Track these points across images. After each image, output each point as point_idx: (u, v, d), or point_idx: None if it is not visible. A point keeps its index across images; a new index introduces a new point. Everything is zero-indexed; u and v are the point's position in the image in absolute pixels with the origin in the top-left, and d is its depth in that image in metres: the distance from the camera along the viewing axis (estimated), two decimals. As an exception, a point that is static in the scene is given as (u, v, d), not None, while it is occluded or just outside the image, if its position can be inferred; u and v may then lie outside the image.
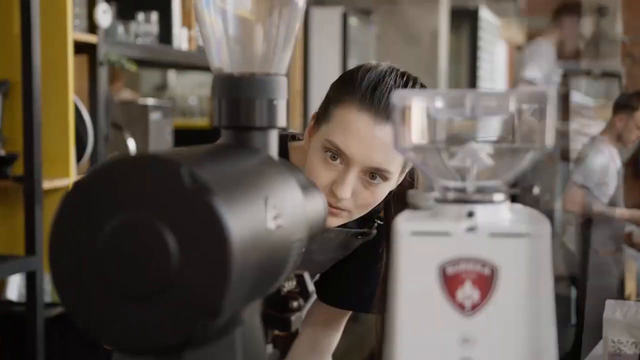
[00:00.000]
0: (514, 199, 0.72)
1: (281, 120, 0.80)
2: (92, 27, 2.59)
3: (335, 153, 1.22)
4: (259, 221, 0.65)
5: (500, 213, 0.68)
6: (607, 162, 4.26)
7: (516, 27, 9.24)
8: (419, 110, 0.69)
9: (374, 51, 5.23)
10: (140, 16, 2.94)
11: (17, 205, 2.35)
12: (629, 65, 4.31)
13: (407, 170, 1.31)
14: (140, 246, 0.59)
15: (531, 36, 9.95)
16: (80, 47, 2.56)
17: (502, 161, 0.70)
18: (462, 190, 0.69)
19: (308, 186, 0.85)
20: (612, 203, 4.33)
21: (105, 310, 0.61)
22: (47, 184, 2.36)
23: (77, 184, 0.62)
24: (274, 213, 0.68)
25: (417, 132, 0.70)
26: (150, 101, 3.06)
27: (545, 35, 4.58)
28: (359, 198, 1.24)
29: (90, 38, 2.58)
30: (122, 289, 0.60)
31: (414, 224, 0.67)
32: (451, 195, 0.69)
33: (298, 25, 0.82)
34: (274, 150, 0.80)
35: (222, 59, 0.81)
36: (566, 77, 4.62)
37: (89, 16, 2.58)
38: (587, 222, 4.35)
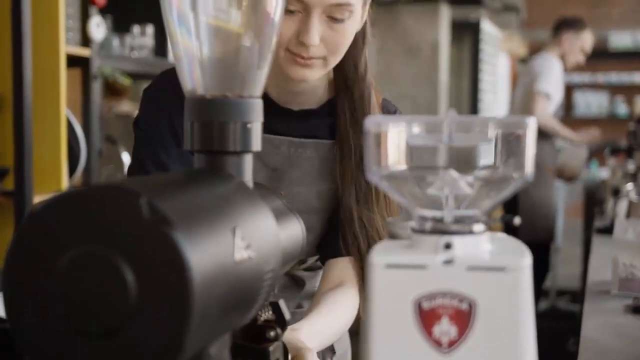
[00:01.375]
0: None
1: (256, 144, 0.78)
2: (86, 41, 2.57)
3: (291, 3, 1.18)
4: (225, 253, 0.62)
5: (479, 244, 0.65)
6: (559, 76, 4.42)
7: (518, 39, 9.22)
8: (394, 136, 0.66)
9: (374, 63, 5.20)
10: (136, 29, 2.92)
11: (7, 220, 2.32)
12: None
13: (368, 3, 1.28)
14: (97, 281, 0.57)
15: (533, 48, 9.96)
16: (74, 61, 2.54)
17: (481, 190, 0.67)
18: (440, 220, 0.66)
19: (284, 212, 0.82)
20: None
21: (60, 346, 0.58)
22: (38, 199, 2.33)
23: (33, 213, 0.59)
24: (243, 244, 0.65)
25: (392, 159, 0.67)
26: (146, 114, 3.03)
27: (549, 49, 4.58)
28: (328, 42, 1.20)
29: (84, 51, 2.56)
30: (78, 325, 0.57)
31: (389, 256, 0.64)
32: (428, 225, 0.66)
33: (273, 45, 0.80)
34: (248, 175, 0.77)
35: (194, 81, 0.78)
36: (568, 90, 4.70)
37: (82, 29, 2.56)
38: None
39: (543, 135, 4.45)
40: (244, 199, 0.71)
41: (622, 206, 2.89)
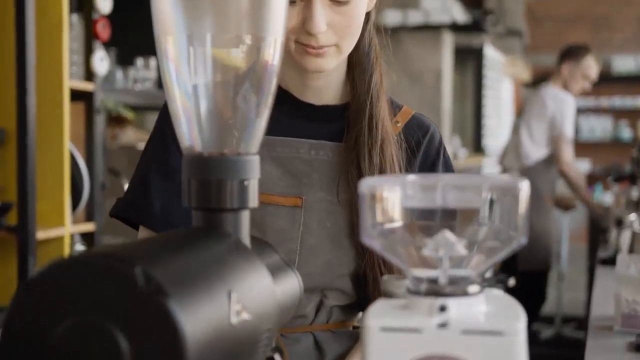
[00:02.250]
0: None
1: (253, 201, 0.78)
2: (90, 75, 2.59)
3: None
4: (221, 318, 0.62)
5: (474, 306, 0.65)
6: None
7: (522, 64, 9.25)
8: (388, 197, 0.67)
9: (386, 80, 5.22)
10: (139, 61, 2.94)
11: (11, 255, 2.33)
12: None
13: None
14: (93, 350, 0.57)
15: (537, 73, 9.99)
16: (78, 94, 2.55)
17: (476, 251, 0.67)
18: (435, 281, 0.67)
19: (280, 267, 0.82)
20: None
21: (55, 416, 0.58)
22: (41, 234, 2.33)
23: (29, 283, 0.60)
24: (239, 306, 0.66)
25: (386, 220, 0.67)
26: (150, 146, 3.04)
27: (553, 80, 4.59)
28: (337, 27, 1.15)
29: (87, 86, 2.57)
30: (73, 394, 0.57)
31: (384, 319, 0.64)
32: (423, 286, 0.66)
33: (270, 102, 0.80)
34: (245, 231, 0.78)
35: (192, 138, 0.78)
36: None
37: (86, 63, 2.58)
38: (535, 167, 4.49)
39: (544, 163, 4.44)
40: (239, 259, 0.71)
41: (626, 237, 2.89)
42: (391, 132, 1.25)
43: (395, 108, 1.30)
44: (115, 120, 3.57)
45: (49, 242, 2.41)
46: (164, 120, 1.27)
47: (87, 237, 2.65)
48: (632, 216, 3.10)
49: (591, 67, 4.56)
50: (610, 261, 2.85)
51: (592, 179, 10.08)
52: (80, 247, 2.65)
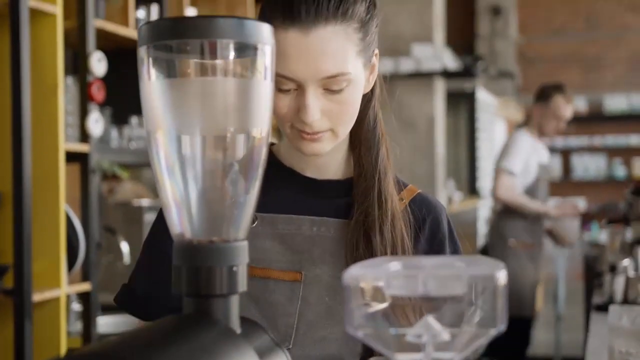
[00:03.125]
0: None
1: (242, 285, 0.80)
2: (85, 136, 2.62)
3: (283, 83, 1.12)
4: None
5: (457, 392, 0.67)
6: (529, 152, 4.40)
7: (514, 104, 9.34)
8: (371, 287, 0.69)
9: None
10: (134, 120, 2.98)
11: (7, 318, 2.34)
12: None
13: (374, 52, 1.21)
14: None
15: (529, 113, 10.08)
16: (73, 156, 2.59)
17: (459, 336, 0.69)
18: (419, 366, 0.69)
19: (270, 348, 0.84)
20: (530, 195, 4.44)
21: None
22: (37, 296, 2.34)
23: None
24: (228, 397, 0.68)
25: (370, 308, 0.70)
26: (145, 202, 3.07)
27: (529, 122, 4.65)
28: (331, 114, 1.15)
29: (82, 147, 2.61)
30: None
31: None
32: (407, 373, 0.68)
33: (257, 189, 0.83)
34: (234, 316, 0.80)
35: (182, 225, 0.81)
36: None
37: (81, 125, 2.61)
38: (504, 212, 4.47)
39: (507, 209, 4.44)
40: (228, 347, 0.73)
41: (619, 283, 2.90)
42: (399, 208, 1.25)
43: (401, 185, 1.31)
44: (112, 174, 3.60)
45: (45, 304, 2.42)
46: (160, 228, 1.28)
47: (83, 297, 2.66)
48: (626, 261, 3.11)
49: (560, 107, 4.49)
50: (605, 307, 2.85)
51: (588, 218, 10.12)
52: (76, 307, 2.66)
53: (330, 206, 1.27)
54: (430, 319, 0.69)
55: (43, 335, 2.39)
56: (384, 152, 1.27)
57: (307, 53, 1.10)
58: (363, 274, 0.69)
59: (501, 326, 0.68)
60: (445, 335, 0.69)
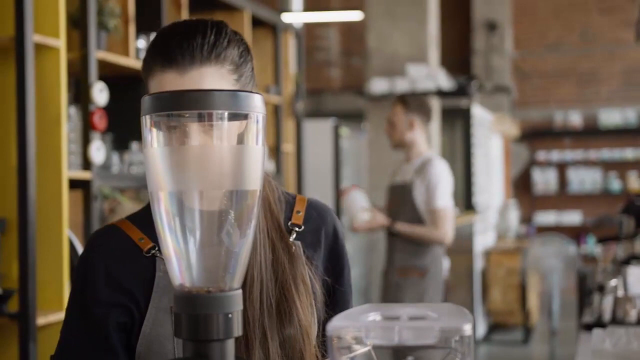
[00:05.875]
0: None
1: (237, 330, 0.89)
2: (87, 164, 2.70)
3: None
4: None
5: None
6: None
7: (510, 120, 9.43)
8: (352, 338, 0.77)
9: (366, 157, 5.35)
10: (135, 146, 3.07)
11: (12, 341, 2.42)
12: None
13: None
14: None
15: (525, 127, 10.17)
16: (76, 183, 2.67)
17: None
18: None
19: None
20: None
21: None
22: (41, 320, 2.42)
23: None
24: None
25: (351, 355, 0.78)
26: (145, 224, 3.14)
27: None
28: None
29: (85, 174, 2.69)
30: None
31: None
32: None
33: (250, 240, 0.91)
34: (230, 358, 0.88)
35: (182, 277, 0.89)
36: None
37: (83, 152, 2.70)
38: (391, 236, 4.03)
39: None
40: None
41: (608, 302, 2.97)
42: (277, 241, 1.27)
43: (288, 199, 1.34)
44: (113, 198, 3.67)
45: (49, 327, 2.50)
46: (82, 271, 1.27)
47: (85, 319, 2.74)
48: (614, 281, 3.18)
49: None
50: (593, 327, 2.92)
51: (584, 231, 10.22)
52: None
53: None
54: (409, 362, 0.77)
55: (47, 358, 2.47)
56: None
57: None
58: (345, 327, 0.77)
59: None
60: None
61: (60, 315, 2.51)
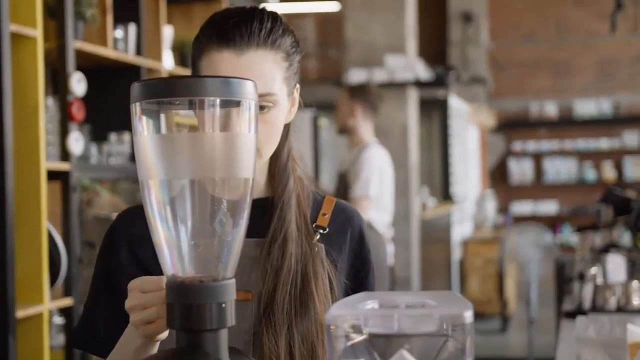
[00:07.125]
0: None
1: (230, 320, 0.87)
2: (65, 154, 2.67)
3: None
4: None
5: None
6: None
7: (486, 110, 9.46)
8: (350, 326, 0.76)
9: (345, 148, 5.34)
10: (113, 137, 3.04)
11: (-9, 335, 2.38)
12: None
13: (296, 87, 1.27)
14: None
15: (501, 118, 10.22)
16: (54, 174, 2.63)
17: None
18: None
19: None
20: None
21: None
22: (20, 313, 2.39)
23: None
24: None
25: (349, 344, 0.77)
26: (124, 215, 3.11)
27: None
28: (259, 133, 1.17)
29: (63, 166, 2.65)
30: None
31: None
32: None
33: (243, 229, 0.90)
34: (223, 348, 0.87)
35: (174, 267, 0.88)
36: None
37: (61, 144, 2.66)
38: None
39: None
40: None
41: (588, 290, 2.98)
42: (303, 237, 1.28)
43: (317, 199, 1.35)
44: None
45: (28, 320, 2.47)
46: (107, 242, 1.31)
47: (65, 312, 2.71)
48: (594, 269, 3.19)
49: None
50: (574, 314, 2.93)
51: (559, 220, 10.30)
52: (58, 320, 2.71)
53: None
54: (405, 353, 0.76)
55: (26, 350, 2.44)
56: (291, 184, 1.29)
57: (240, 72, 1.18)
58: (342, 315, 0.76)
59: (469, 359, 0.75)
60: (417, 367, 0.76)
61: (40, 308, 2.48)
